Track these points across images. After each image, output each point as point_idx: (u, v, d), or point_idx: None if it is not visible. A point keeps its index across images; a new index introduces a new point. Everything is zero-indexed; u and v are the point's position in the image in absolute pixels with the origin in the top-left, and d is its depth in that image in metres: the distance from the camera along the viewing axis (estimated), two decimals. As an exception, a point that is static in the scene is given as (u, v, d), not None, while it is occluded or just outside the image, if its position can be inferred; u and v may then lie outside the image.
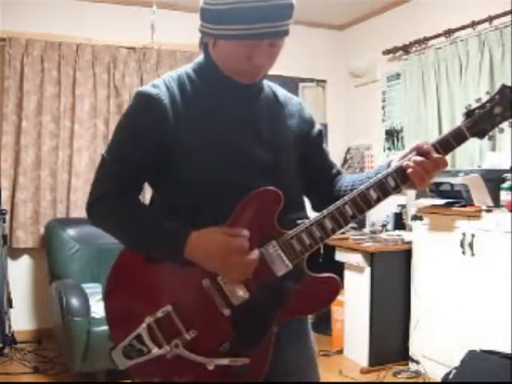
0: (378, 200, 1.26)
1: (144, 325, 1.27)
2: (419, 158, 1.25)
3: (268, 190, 1.25)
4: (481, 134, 1.27)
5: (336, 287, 1.30)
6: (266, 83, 1.42)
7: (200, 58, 1.36)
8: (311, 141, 1.46)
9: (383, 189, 1.26)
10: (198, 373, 1.26)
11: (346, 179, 1.47)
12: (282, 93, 1.46)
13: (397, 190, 1.27)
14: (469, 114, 1.27)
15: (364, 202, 1.26)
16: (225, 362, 1.25)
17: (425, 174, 1.24)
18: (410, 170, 1.25)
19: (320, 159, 1.50)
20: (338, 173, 1.52)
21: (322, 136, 1.50)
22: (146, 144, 1.28)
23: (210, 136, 1.28)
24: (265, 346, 1.26)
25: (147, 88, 1.30)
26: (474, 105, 1.28)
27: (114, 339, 1.31)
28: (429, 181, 1.27)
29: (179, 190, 1.30)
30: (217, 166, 1.27)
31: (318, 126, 1.49)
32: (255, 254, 1.22)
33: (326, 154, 1.52)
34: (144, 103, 1.28)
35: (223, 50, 1.26)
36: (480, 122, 1.26)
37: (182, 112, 1.28)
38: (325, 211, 1.26)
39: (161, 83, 1.30)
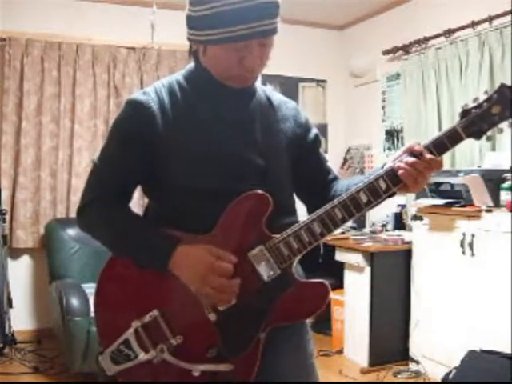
0: (369, 203, 1.23)
1: (131, 330, 1.27)
2: (411, 159, 1.21)
3: (257, 193, 1.25)
4: (477, 135, 1.23)
5: (325, 293, 1.27)
6: (260, 88, 1.41)
7: (191, 65, 1.36)
8: (307, 145, 1.44)
9: (374, 191, 1.23)
10: (185, 378, 1.25)
11: (342, 183, 1.44)
12: (277, 97, 1.45)
13: (388, 192, 1.24)
14: (465, 113, 1.23)
15: (354, 205, 1.23)
16: (210, 367, 1.24)
17: (417, 175, 1.21)
18: (400, 172, 1.21)
19: (316, 164, 1.48)
20: (335, 178, 1.50)
21: (318, 141, 1.48)
22: (134, 150, 1.28)
23: (200, 141, 1.28)
24: (252, 351, 1.25)
25: (137, 95, 1.31)
26: (471, 104, 1.24)
27: (102, 344, 1.31)
28: (422, 182, 1.23)
29: (170, 196, 1.30)
30: (207, 171, 1.27)
31: (314, 131, 1.47)
32: (237, 281, 1.21)
33: (323, 159, 1.50)
34: (133, 110, 1.29)
35: (213, 55, 1.25)
36: (476, 122, 1.22)
37: (171, 118, 1.28)
38: (313, 214, 1.25)
39: (151, 90, 1.31)
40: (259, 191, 1.25)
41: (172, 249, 1.22)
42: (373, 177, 1.24)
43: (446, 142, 1.22)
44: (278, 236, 1.25)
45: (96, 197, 1.32)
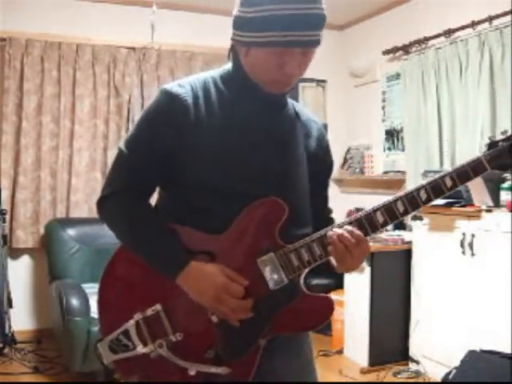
0: (385, 224, 1.24)
1: (133, 321, 1.27)
2: (340, 231, 1.21)
3: (273, 200, 1.24)
4: (503, 168, 1.22)
5: (329, 309, 1.27)
6: (291, 102, 1.42)
7: (228, 65, 1.35)
8: (321, 168, 1.44)
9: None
10: (180, 377, 1.25)
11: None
12: (305, 113, 1.45)
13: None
14: (492, 145, 1.22)
15: (369, 224, 1.23)
16: (207, 369, 1.24)
17: (344, 251, 1.20)
18: (330, 247, 1.22)
19: (321, 190, 1.48)
20: (329, 214, 1.49)
21: (331, 169, 1.49)
22: (165, 140, 1.27)
23: (226, 142, 1.27)
24: (250, 357, 1.24)
25: (172, 86, 1.29)
26: (499, 136, 1.23)
27: (102, 332, 1.31)
28: (351, 261, 1.22)
29: (186, 192, 1.29)
30: (228, 173, 1.26)
31: (331, 159, 1.47)
32: (249, 302, 1.22)
33: (327, 189, 1.50)
34: (168, 100, 1.27)
35: (256, 58, 1.25)
36: (502, 156, 1.21)
37: (203, 114, 1.27)
38: (328, 228, 1.24)
39: (186, 83, 1.29)
40: (276, 198, 1.24)
41: (183, 264, 1.22)
42: (369, 210, 1.24)
43: (470, 172, 1.22)
44: (289, 246, 1.24)
45: (119, 189, 1.29)
